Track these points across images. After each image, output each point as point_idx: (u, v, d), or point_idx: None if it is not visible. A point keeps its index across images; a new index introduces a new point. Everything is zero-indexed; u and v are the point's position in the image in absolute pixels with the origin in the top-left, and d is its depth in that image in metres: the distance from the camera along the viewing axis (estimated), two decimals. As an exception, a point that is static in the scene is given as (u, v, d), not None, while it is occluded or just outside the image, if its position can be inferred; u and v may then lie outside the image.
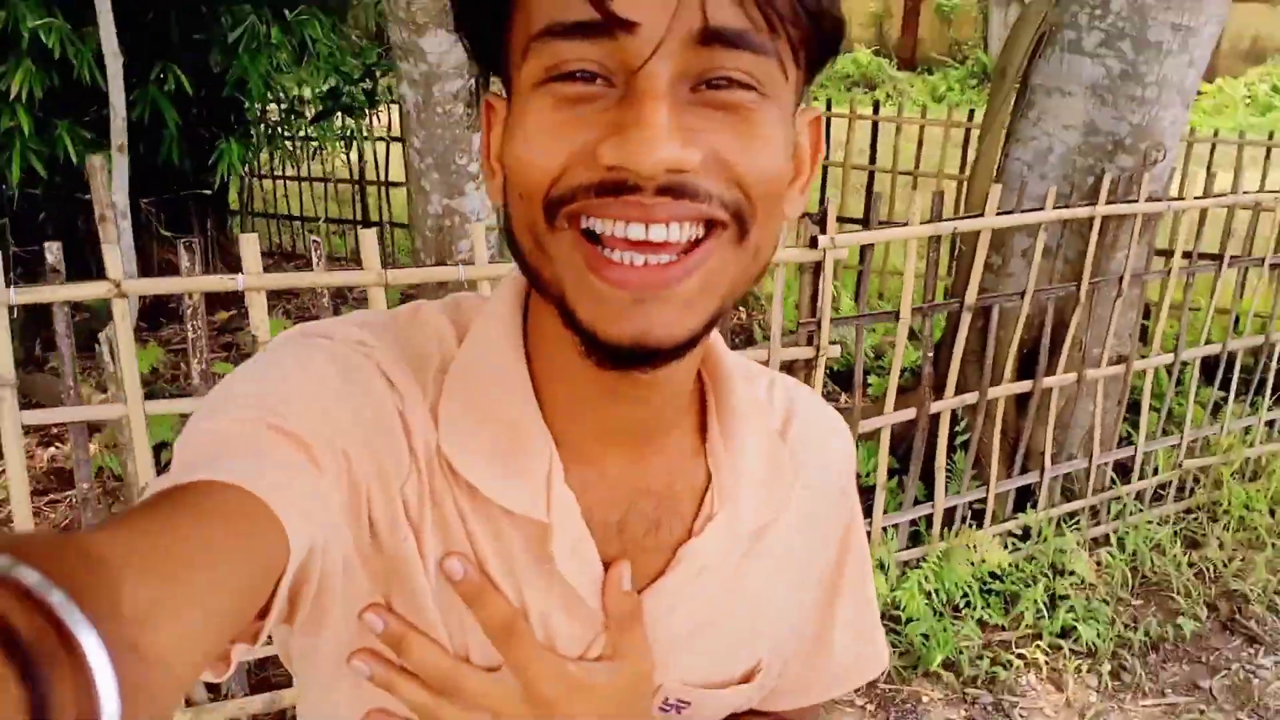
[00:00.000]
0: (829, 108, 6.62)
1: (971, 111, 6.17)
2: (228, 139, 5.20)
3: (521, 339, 0.65)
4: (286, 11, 5.28)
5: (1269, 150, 5.60)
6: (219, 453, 0.53)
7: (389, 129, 6.23)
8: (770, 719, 0.84)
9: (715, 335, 0.66)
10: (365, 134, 6.18)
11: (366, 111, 5.66)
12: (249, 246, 2.27)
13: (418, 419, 0.62)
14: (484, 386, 0.63)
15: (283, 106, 5.57)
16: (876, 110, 6.23)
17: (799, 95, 0.58)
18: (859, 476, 3.00)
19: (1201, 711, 2.96)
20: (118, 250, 2.22)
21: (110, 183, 2.96)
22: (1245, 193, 3.68)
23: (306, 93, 5.61)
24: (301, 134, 6.05)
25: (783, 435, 0.76)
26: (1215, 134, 6.25)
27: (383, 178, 6.51)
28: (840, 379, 4.51)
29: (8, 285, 2.13)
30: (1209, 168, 4.38)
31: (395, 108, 6.55)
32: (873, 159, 6.01)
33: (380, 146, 6.44)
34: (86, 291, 2.20)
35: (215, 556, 0.44)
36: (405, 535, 0.61)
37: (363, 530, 0.60)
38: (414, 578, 0.62)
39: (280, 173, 6.93)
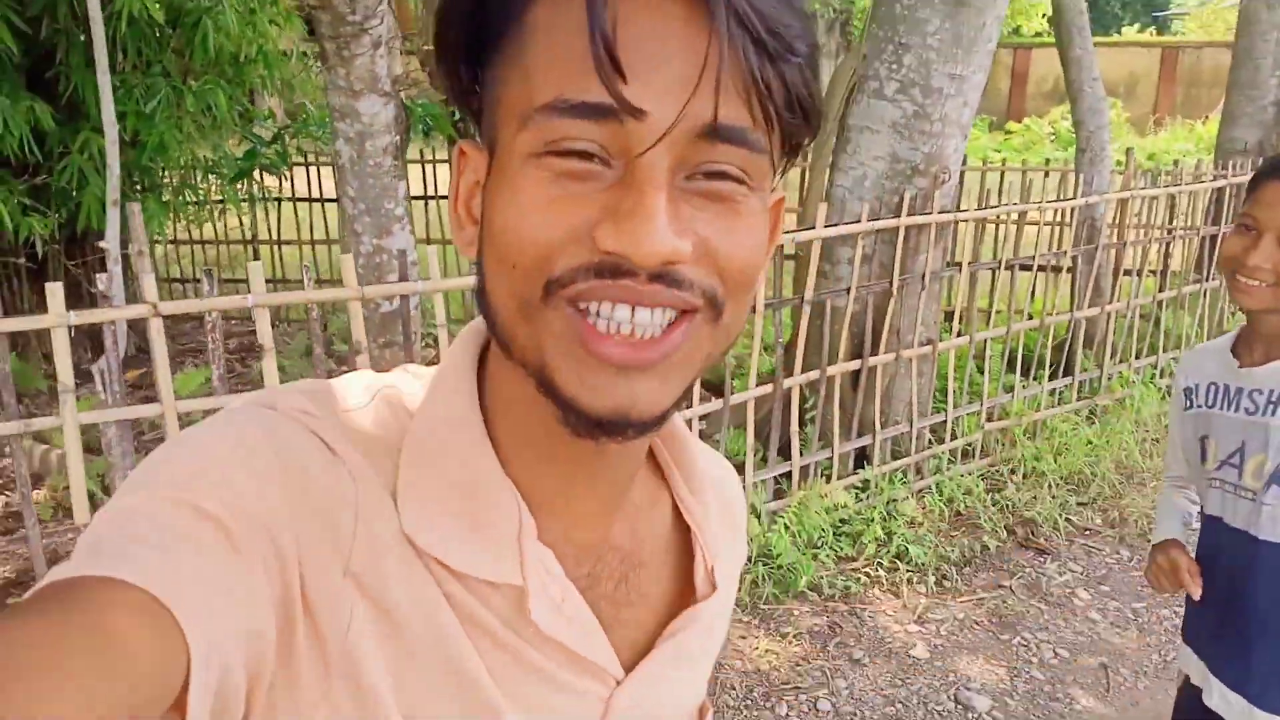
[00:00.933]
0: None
1: (807, 153, 7.15)
2: (145, 201, 5.72)
3: (478, 399, 0.63)
4: (193, 83, 5.86)
5: (1046, 173, 6.75)
6: (129, 537, 0.49)
7: (291, 190, 6.84)
8: None
9: None
10: (267, 195, 6.77)
11: (281, 171, 6.25)
12: (256, 274, 2.92)
13: (373, 496, 0.59)
14: (443, 454, 0.61)
15: (201, 168, 6.11)
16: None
17: (774, 184, 0.59)
18: (730, 454, 3.79)
19: (1004, 601, 3.84)
20: (153, 279, 2.84)
21: (109, 228, 3.55)
22: (1006, 206, 4.66)
23: (215, 156, 6.16)
24: (212, 197, 6.59)
25: (725, 503, 0.77)
26: (984, 163, 7.42)
27: (274, 236, 7.11)
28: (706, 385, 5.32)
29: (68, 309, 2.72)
30: (998, 191, 5.40)
31: (297, 170, 7.18)
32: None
33: (272, 207, 7.04)
34: (132, 313, 2.81)
35: (78, 678, 0.40)
36: (352, 623, 0.56)
37: (295, 619, 0.54)
38: (366, 672, 0.56)
39: (172, 237, 7.46)
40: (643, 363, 0.53)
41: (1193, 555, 1.85)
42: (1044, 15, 17.13)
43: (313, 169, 7.47)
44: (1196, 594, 1.78)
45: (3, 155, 5.11)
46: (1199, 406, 1.84)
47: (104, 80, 3.87)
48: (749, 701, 3.23)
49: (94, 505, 3.04)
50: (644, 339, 0.53)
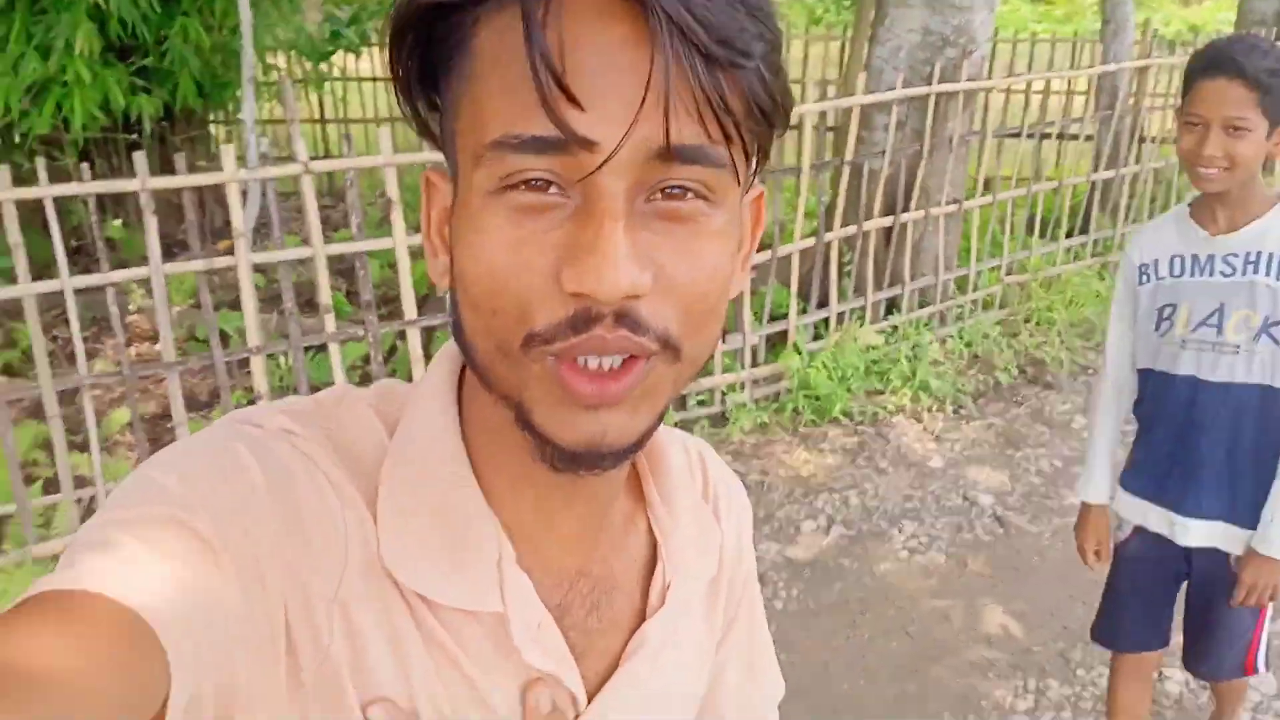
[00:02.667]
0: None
1: (846, 26, 7.54)
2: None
3: (458, 424, 0.63)
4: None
5: (1075, 44, 7.12)
6: (116, 553, 0.49)
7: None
8: None
9: None
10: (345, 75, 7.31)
11: (359, 51, 6.75)
12: (385, 139, 3.49)
13: (356, 519, 0.59)
14: (422, 479, 0.61)
15: (293, 50, 6.63)
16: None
17: (748, 183, 0.58)
18: (774, 305, 4.36)
19: (1011, 425, 4.46)
20: (301, 140, 3.43)
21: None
22: (1026, 75, 5.11)
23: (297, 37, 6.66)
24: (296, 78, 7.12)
25: (704, 496, 0.77)
26: (1015, 35, 7.77)
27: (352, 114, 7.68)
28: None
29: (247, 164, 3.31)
30: (1028, 62, 5.83)
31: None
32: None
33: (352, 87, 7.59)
34: (288, 170, 3.40)
35: (61, 693, 0.41)
36: (331, 648, 0.57)
37: (278, 642, 0.54)
38: (343, 696, 0.57)
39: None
40: (610, 399, 0.53)
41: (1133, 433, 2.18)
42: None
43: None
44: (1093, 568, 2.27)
45: (109, 41, 5.62)
46: (1160, 278, 2.04)
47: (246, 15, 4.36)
48: (791, 497, 3.89)
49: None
50: (608, 371, 0.52)
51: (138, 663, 0.44)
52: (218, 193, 6.68)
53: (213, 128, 7.13)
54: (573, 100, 0.48)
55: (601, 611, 0.68)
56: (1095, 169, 5.79)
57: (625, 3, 0.49)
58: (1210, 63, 1.86)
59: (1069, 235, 5.73)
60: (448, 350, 0.65)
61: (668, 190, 0.52)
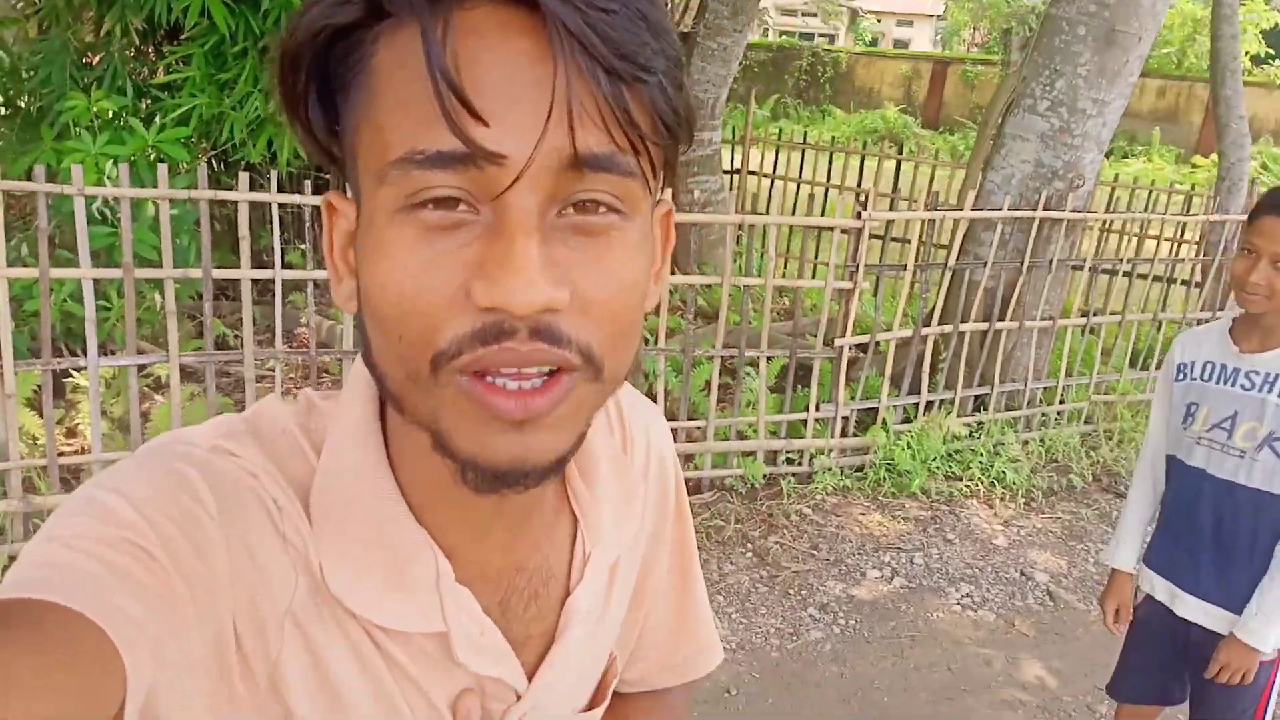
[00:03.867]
0: (864, 148, 8.56)
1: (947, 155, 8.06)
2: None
3: (382, 450, 0.62)
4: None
5: (1189, 196, 7.51)
6: (66, 566, 0.49)
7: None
8: (654, 697, 0.92)
9: None
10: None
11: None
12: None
13: (301, 539, 0.59)
14: (353, 506, 0.61)
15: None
16: (900, 152, 8.14)
17: (657, 196, 0.58)
18: (869, 390, 4.85)
19: (1077, 521, 4.80)
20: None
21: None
22: (1125, 214, 5.54)
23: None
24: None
25: (624, 450, 0.77)
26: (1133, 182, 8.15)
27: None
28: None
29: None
30: (1127, 203, 6.23)
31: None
32: (894, 188, 7.93)
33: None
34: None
35: (33, 690, 0.42)
36: (280, 660, 0.58)
37: (228, 653, 0.55)
38: (295, 708, 0.59)
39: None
40: (533, 414, 0.52)
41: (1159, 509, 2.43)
42: (1247, 54, 17.21)
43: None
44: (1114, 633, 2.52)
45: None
46: (1192, 379, 2.31)
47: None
48: (861, 550, 4.31)
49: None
50: (529, 390, 0.52)
51: (94, 669, 0.45)
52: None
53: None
54: (475, 115, 0.48)
55: (539, 600, 0.69)
56: (1195, 310, 6.15)
57: (527, 18, 0.49)
58: (1274, 203, 2.12)
59: (1159, 368, 6.07)
60: (363, 370, 0.63)
61: (580, 204, 0.52)
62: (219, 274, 3.88)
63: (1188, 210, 6.05)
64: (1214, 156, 20.38)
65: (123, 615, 0.48)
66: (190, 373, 4.69)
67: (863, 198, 4.67)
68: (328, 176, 7.27)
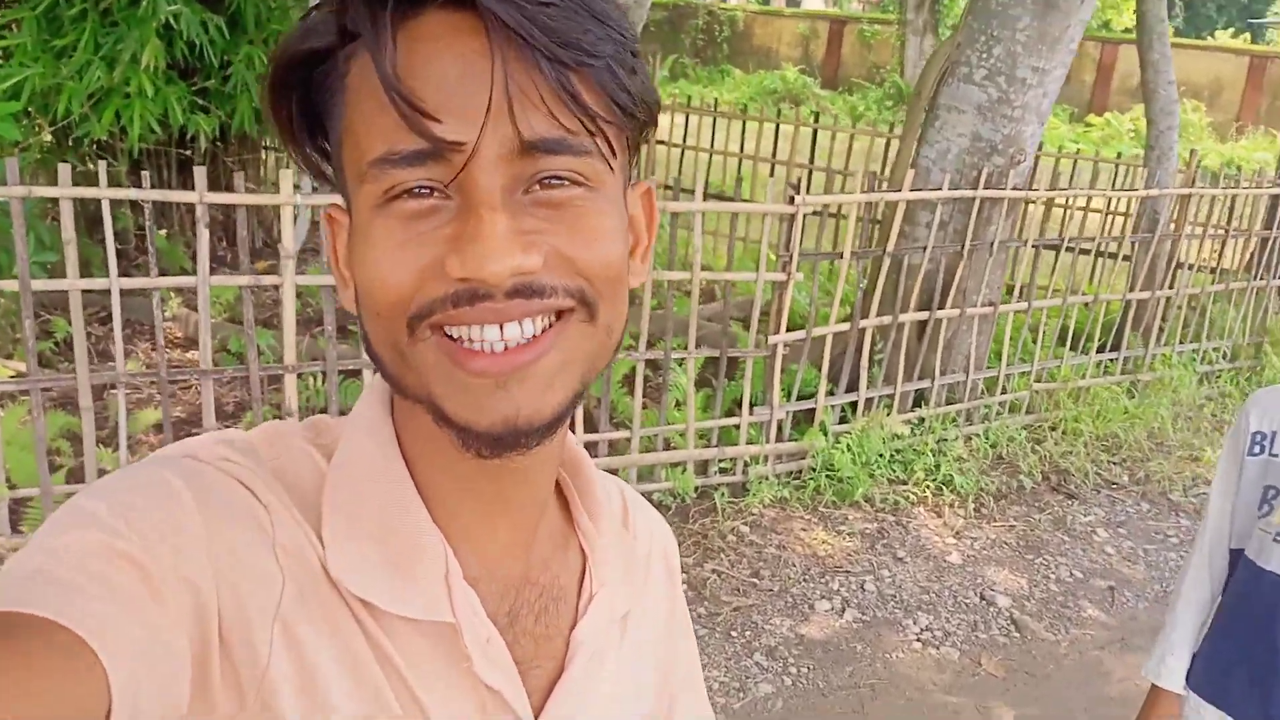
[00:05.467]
0: (778, 115, 8.06)
1: (891, 125, 7.66)
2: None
3: (395, 444, 0.64)
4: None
5: (1117, 166, 7.21)
6: (54, 578, 0.49)
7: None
8: None
9: (565, 430, 0.65)
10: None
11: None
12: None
13: (296, 541, 0.59)
14: (365, 496, 0.62)
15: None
16: (816, 120, 7.68)
17: (627, 175, 0.62)
18: (804, 385, 4.38)
19: (1032, 530, 4.43)
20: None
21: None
22: (1073, 190, 5.17)
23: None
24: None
25: (625, 525, 0.78)
26: (1059, 151, 7.89)
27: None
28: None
29: (296, 190, 3.36)
30: (1069, 178, 5.90)
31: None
32: (811, 159, 7.46)
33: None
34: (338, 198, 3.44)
35: (15, 701, 0.42)
36: (270, 666, 0.56)
37: (211, 662, 0.55)
38: (281, 715, 0.57)
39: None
40: (517, 367, 0.55)
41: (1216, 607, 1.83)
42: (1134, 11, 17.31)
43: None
44: None
45: (174, 59, 5.75)
46: (1274, 454, 1.74)
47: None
48: (807, 576, 3.85)
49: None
50: (514, 347, 0.55)
51: (79, 681, 0.45)
52: (260, 215, 6.82)
53: (264, 153, 7.22)
54: (427, 115, 0.52)
55: (549, 617, 0.69)
56: (1131, 288, 5.83)
57: (473, 20, 0.53)
58: None
59: (1100, 350, 5.74)
60: (377, 380, 0.66)
61: (544, 181, 0.55)
62: (41, 285, 3.20)
63: (1117, 182, 5.72)
64: (1107, 116, 20.66)
65: (104, 624, 0.48)
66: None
67: (796, 180, 4.12)
68: (188, 154, 6.50)
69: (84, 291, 3.24)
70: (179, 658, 0.52)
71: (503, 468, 0.61)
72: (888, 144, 7.38)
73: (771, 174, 7.39)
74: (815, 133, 7.49)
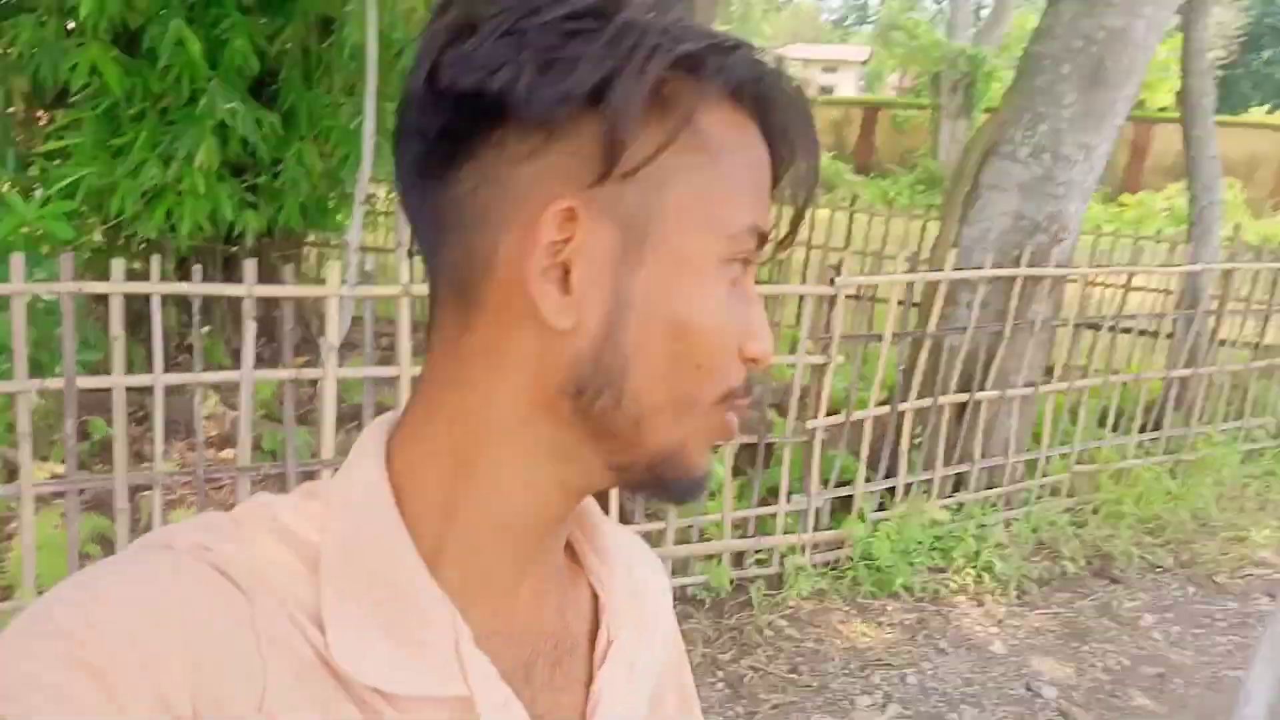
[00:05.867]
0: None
1: (927, 208, 7.70)
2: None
3: (394, 502, 0.60)
4: (388, 104, 6.63)
5: (1157, 242, 7.20)
6: (18, 706, 0.48)
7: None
8: None
9: None
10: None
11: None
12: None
13: (281, 629, 0.56)
14: (367, 572, 0.58)
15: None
16: (853, 204, 7.77)
17: None
18: (843, 471, 4.35)
19: (1076, 617, 4.33)
20: (408, 261, 3.55)
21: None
22: (1118, 268, 5.17)
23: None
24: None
25: (628, 568, 0.75)
26: (1098, 229, 7.90)
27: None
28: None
29: (351, 283, 3.44)
30: (1109, 256, 5.90)
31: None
32: (846, 243, 7.52)
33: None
34: (387, 291, 3.52)
35: None
36: None
37: None
38: None
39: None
40: None
41: None
42: (1174, 90, 17.29)
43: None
44: None
45: (226, 157, 5.92)
46: None
47: (370, 104, 4.65)
48: (847, 670, 3.78)
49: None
50: None
51: None
52: (299, 309, 6.94)
53: (307, 248, 7.39)
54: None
55: (565, 668, 0.67)
56: (1172, 366, 5.77)
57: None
58: None
59: (1142, 430, 5.67)
60: (371, 437, 0.63)
61: None
62: (86, 382, 3.28)
63: (1159, 260, 5.71)
64: (1140, 195, 20.62)
65: None
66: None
67: (836, 263, 4.15)
68: (235, 250, 6.65)
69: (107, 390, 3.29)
70: None
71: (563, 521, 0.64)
72: (924, 227, 7.43)
73: (806, 259, 7.44)
74: (851, 216, 7.55)
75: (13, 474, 4.49)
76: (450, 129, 0.56)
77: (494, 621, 0.62)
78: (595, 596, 0.72)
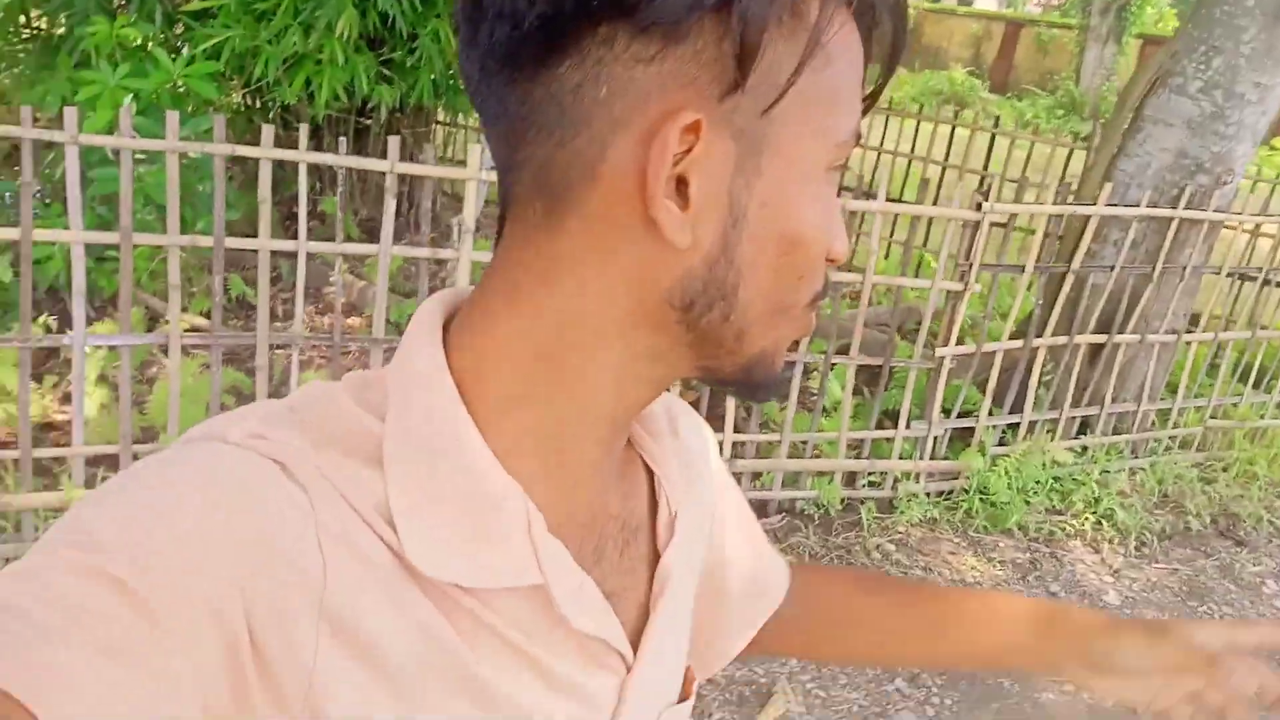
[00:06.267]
0: (955, 118, 7.81)
1: (1075, 135, 7.31)
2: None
3: (457, 391, 0.57)
4: None
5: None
6: (18, 611, 0.43)
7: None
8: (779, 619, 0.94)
9: None
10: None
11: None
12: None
13: (346, 522, 0.53)
14: (434, 464, 0.55)
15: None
16: (996, 125, 7.42)
17: None
18: (967, 402, 4.22)
19: (1197, 576, 4.19)
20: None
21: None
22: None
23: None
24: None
25: (675, 433, 0.76)
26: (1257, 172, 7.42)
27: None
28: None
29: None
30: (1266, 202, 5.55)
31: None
32: (985, 165, 7.20)
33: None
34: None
35: None
36: (316, 671, 0.50)
37: (243, 675, 0.48)
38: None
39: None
40: None
41: None
42: None
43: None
44: None
45: (365, 29, 5.90)
46: None
47: None
48: (955, 602, 3.72)
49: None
50: None
51: None
52: (415, 190, 6.97)
53: (436, 126, 7.38)
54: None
55: (632, 548, 0.67)
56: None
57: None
58: None
59: (1284, 391, 5.40)
60: (424, 320, 0.60)
61: None
62: (233, 243, 3.32)
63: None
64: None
65: (61, 678, 0.42)
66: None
67: (985, 185, 3.98)
68: (368, 123, 6.67)
69: (246, 252, 3.34)
70: (186, 692, 0.46)
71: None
72: (1070, 154, 7.07)
73: (940, 179, 7.16)
74: (993, 138, 7.22)
75: (153, 322, 4.66)
76: (554, 18, 0.50)
77: (565, 508, 0.61)
78: (649, 472, 0.71)
